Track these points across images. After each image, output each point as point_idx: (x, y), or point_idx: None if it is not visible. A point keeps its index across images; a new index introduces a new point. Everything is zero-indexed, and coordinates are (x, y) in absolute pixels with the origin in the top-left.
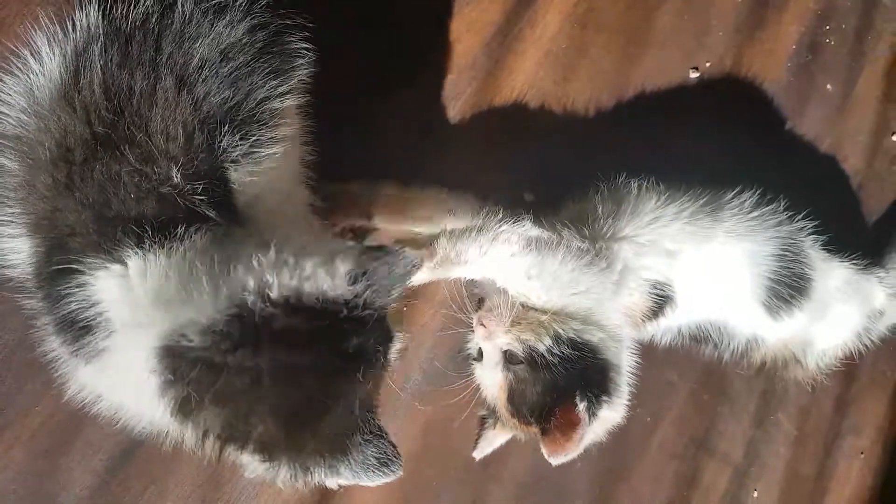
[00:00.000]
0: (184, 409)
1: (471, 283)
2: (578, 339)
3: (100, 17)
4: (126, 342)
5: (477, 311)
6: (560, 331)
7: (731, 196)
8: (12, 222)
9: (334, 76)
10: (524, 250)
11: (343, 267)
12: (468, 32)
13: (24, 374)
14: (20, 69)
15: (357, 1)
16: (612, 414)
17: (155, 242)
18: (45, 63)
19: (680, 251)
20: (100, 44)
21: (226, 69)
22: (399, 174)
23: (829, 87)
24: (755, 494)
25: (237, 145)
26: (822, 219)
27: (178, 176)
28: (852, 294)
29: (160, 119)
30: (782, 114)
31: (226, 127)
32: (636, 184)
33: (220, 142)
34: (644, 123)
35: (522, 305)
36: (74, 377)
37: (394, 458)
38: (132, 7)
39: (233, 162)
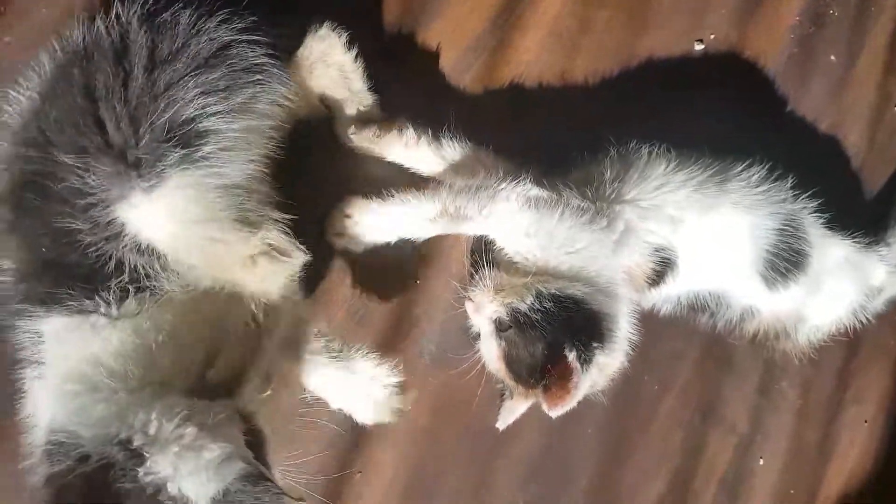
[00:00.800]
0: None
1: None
2: (561, 295)
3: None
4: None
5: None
6: (542, 289)
7: (739, 169)
8: None
9: None
10: (523, 208)
11: (211, 485)
12: (472, 13)
13: None
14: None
15: None
16: (608, 360)
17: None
18: None
19: (684, 218)
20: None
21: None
22: None
23: (832, 58)
24: (761, 462)
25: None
26: (824, 194)
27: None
28: (850, 271)
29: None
30: (785, 85)
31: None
32: (647, 149)
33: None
34: (649, 97)
35: (507, 271)
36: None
37: None
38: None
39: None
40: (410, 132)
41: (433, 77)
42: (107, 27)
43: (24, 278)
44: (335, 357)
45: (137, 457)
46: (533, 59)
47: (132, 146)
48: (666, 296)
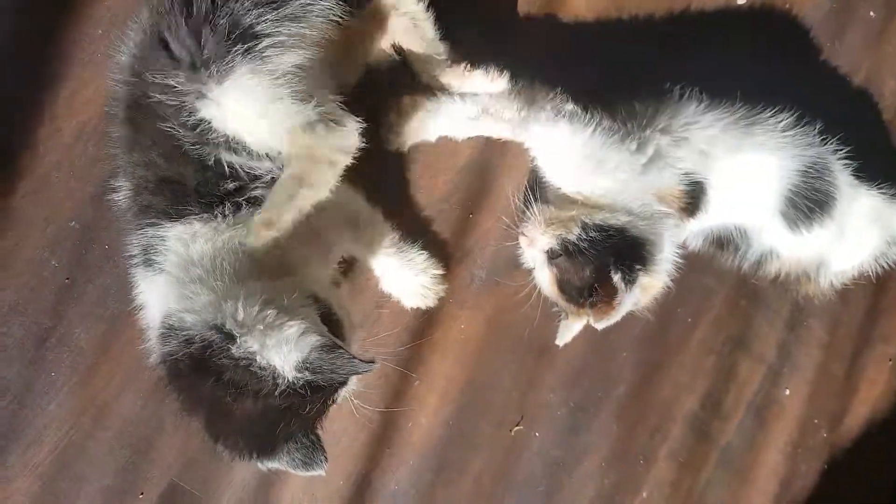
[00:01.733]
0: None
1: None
2: (604, 224)
3: None
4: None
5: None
6: (586, 220)
7: (768, 114)
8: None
9: None
10: (557, 118)
11: (294, 356)
12: None
13: None
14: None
15: None
16: (651, 280)
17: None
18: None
19: (712, 154)
20: None
21: None
22: None
23: (871, 13)
24: (787, 392)
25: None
26: (856, 144)
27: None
28: (875, 220)
29: None
30: (822, 39)
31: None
32: (678, 90)
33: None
34: (689, 42)
35: (556, 206)
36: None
37: (317, 462)
38: None
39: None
40: (493, 70)
41: (491, 16)
42: None
43: (148, 193)
44: (396, 248)
45: (230, 337)
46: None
47: (197, 52)
48: (697, 230)
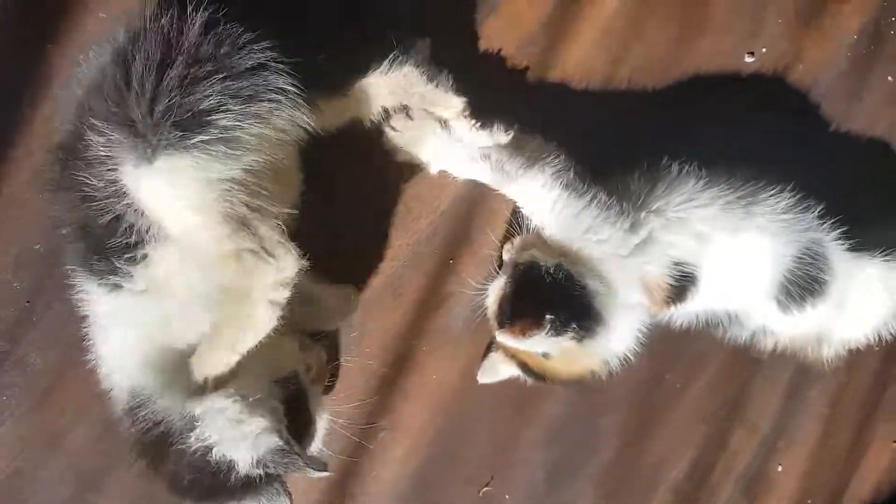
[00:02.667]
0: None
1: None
2: (577, 277)
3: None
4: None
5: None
6: (565, 264)
7: (768, 193)
8: None
9: None
10: (555, 184)
11: (250, 453)
12: (530, 8)
13: None
14: None
15: None
16: (576, 350)
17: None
18: None
19: (707, 235)
20: None
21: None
22: None
23: (889, 78)
24: (780, 468)
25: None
26: (866, 211)
27: None
28: (883, 287)
29: None
30: (837, 102)
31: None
32: (677, 166)
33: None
34: (696, 105)
35: (546, 242)
36: None
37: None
38: None
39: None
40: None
41: (484, 72)
42: (170, 17)
43: (73, 239)
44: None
45: (191, 425)
46: (582, 59)
47: (145, 120)
48: (682, 312)
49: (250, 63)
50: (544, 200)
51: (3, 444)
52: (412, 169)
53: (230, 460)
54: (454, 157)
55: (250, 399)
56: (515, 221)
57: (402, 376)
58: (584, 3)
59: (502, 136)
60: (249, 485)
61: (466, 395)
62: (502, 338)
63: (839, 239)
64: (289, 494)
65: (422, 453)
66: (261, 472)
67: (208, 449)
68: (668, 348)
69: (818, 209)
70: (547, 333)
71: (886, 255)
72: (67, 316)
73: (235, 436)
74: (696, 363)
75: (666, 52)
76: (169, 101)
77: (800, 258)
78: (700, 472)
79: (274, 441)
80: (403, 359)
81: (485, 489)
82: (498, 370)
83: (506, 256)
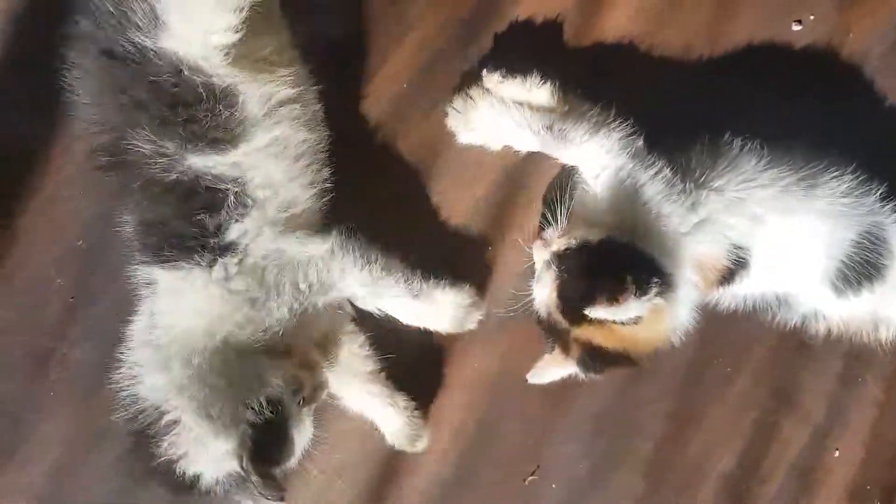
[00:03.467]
0: None
1: None
2: (632, 244)
3: None
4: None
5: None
6: (615, 235)
7: (829, 175)
8: None
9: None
10: (621, 151)
11: (214, 474)
12: None
13: None
14: None
15: None
16: (664, 306)
17: None
18: None
19: (765, 217)
20: None
21: None
22: None
23: None
24: (836, 454)
25: None
26: None
27: None
28: None
29: None
30: (890, 72)
31: None
32: (739, 142)
33: None
34: (739, 77)
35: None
36: None
37: None
38: None
39: None
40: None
41: (518, 51)
42: None
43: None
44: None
45: (166, 431)
46: (619, 34)
47: None
48: (732, 293)
49: None
50: (609, 167)
51: (49, 440)
52: (443, 163)
53: (195, 474)
54: (515, 130)
55: (218, 421)
56: (546, 215)
57: (443, 368)
58: None
59: (537, 91)
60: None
61: (507, 385)
62: (596, 313)
63: None
64: (283, 491)
65: (464, 445)
66: (223, 489)
67: (174, 460)
68: (715, 335)
69: (880, 190)
70: (635, 293)
71: None
72: (111, 312)
73: (199, 454)
74: (744, 349)
75: (706, 25)
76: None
77: (859, 242)
78: (751, 460)
79: (233, 467)
80: (442, 351)
81: (530, 478)
82: (551, 372)
83: (536, 255)
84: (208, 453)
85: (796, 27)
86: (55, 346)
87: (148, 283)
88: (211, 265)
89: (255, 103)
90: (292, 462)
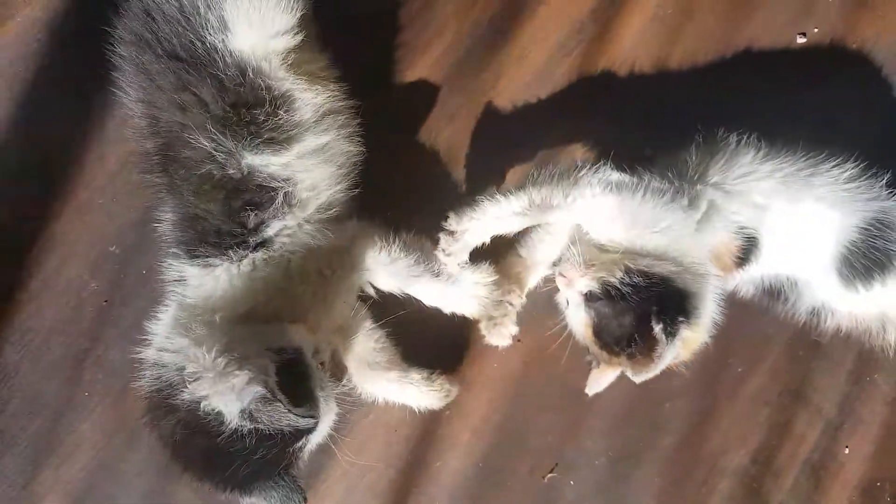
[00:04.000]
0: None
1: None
2: (649, 271)
3: None
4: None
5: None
6: (630, 264)
7: (830, 164)
8: None
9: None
10: (605, 192)
11: (237, 404)
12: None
13: None
14: None
15: None
16: (693, 335)
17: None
18: None
19: (768, 206)
20: None
21: None
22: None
23: None
24: (846, 450)
25: None
26: None
27: None
28: None
29: None
30: (892, 79)
31: None
32: (735, 137)
33: None
34: (748, 87)
35: (596, 248)
36: None
37: (296, 499)
38: None
39: None
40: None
41: (535, 62)
42: None
43: (178, 228)
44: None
45: (184, 380)
46: (633, 44)
47: None
48: (748, 278)
49: None
50: (602, 213)
51: (87, 439)
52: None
53: (219, 412)
54: (500, 222)
55: (242, 351)
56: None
57: (465, 366)
58: None
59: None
60: (243, 447)
61: (528, 384)
62: (637, 377)
63: None
64: (302, 491)
65: (486, 441)
66: (249, 425)
67: (198, 402)
68: (730, 334)
69: (886, 177)
70: (668, 342)
71: None
72: (144, 314)
73: (222, 388)
74: (758, 348)
75: (716, 35)
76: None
77: (865, 229)
78: (765, 457)
79: (258, 390)
80: (465, 349)
81: (549, 475)
82: (605, 378)
83: (561, 288)
84: (233, 387)
85: (800, 39)
86: (91, 347)
87: (178, 279)
88: (241, 259)
89: (308, 110)
90: (319, 433)
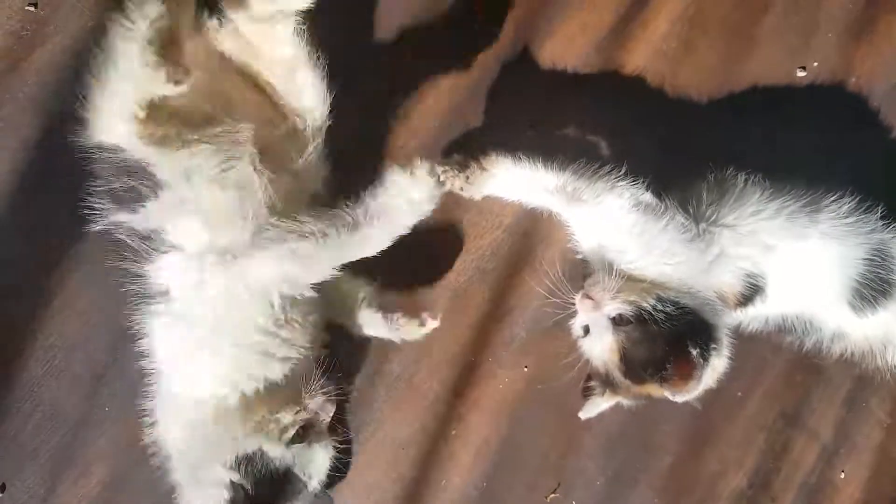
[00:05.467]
0: None
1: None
2: (680, 301)
3: None
4: None
5: (578, 291)
6: (661, 293)
7: (830, 199)
8: None
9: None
10: (633, 208)
11: None
12: (581, 33)
13: None
14: None
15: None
16: (720, 362)
17: None
18: None
19: (776, 246)
20: None
21: None
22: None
23: None
24: (842, 475)
25: None
26: None
27: None
28: None
29: None
30: (892, 113)
31: None
32: (743, 177)
33: None
34: (749, 120)
35: (622, 276)
36: None
37: None
38: None
39: None
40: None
41: (541, 92)
42: None
43: None
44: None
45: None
46: (635, 77)
47: None
48: (754, 315)
49: None
50: (622, 226)
51: (104, 452)
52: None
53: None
54: (528, 188)
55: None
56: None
57: (470, 386)
58: (636, 25)
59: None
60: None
61: (531, 404)
62: (679, 397)
63: None
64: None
65: (489, 460)
66: None
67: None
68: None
69: (880, 210)
70: (703, 367)
71: None
72: None
73: None
74: (755, 372)
75: (718, 71)
76: None
77: (870, 260)
78: (761, 480)
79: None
80: (470, 369)
81: (552, 495)
82: (601, 407)
83: (582, 310)
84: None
85: (801, 73)
86: (111, 362)
87: None
88: None
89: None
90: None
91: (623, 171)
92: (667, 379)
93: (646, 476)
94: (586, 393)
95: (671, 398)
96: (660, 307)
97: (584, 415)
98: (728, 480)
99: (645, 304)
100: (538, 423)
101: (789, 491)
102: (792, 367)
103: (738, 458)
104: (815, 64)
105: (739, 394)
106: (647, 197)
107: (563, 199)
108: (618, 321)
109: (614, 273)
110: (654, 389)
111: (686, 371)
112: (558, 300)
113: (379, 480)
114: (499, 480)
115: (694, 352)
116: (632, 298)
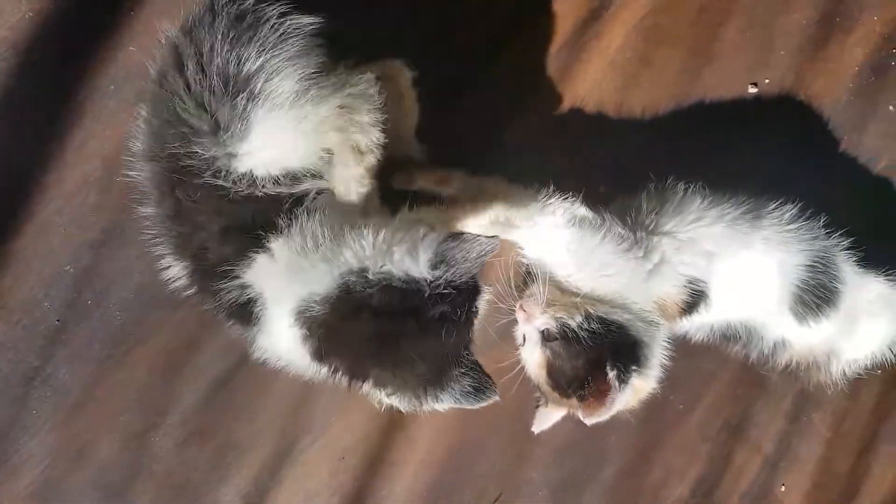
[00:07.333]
0: (317, 356)
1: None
2: (607, 318)
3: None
4: (275, 311)
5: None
6: (590, 310)
7: (772, 206)
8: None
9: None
10: (567, 224)
11: (424, 255)
12: (536, 43)
13: None
14: None
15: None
16: (643, 383)
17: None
18: None
19: (717, 253)
20: None
21: None
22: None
23: (891, 108)
24: (782, 489)
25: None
26: (869, 234)
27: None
28: (885, 308)
29: None
30: (840, 132)
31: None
32: (683, 185)
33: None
34: (700, 133)
35: (558, 288)
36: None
37: (487, 386)
38: None
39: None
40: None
41: (496, 103)
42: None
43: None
44: None
45: (362, 270)
46: (590, 89)
47: (209, 120)
48: (699, 324)
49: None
50: (558, 243)
51: (34, 455)
52: None
53: (413, 276)
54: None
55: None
56: (529, 269)
57: None
58: (590, 37)
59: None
60: (444, 311)
61: (477, 413)
62: (587, 419)
63: (847, 250)
64: (489, 377)
65: (433, 469)
66: (443, 272)
67: (388, 276)
68: (672, 370)
69: (824, 220)
70: (620, 388)
71: (889, 275)
72: (95, 334)
73: (404, 250)
74: (699, 385)
75: (673, 83)
76: (212, 93)
77: (812, 266)
78: (704, 490)
79: (436, 234)
80: None
81: None
82: (551, 417)
83: (520, 322)
84: (411, 243)
85: (752, 89)
86: (41, 366)
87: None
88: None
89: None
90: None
91: (552, 190)
92: (583, 398)
93: (591, 486)
94: (537, 403)
95: (581, 419)
96: (585, 325)
97: (536, 428)
98: (671, 489)
99: (570, 322)
100: (485, 432)
101: (731, 501)
102: (737, 379)
103: (682, 468)
104: (767, 81)
105: (682, 406)
106: (583, 211)
107: (500, 229)
108: (546, 336)
109: (545, 286)
110: (576, 407)
111: (602, 392)
112: (504, 307)
113: (319, 489)
114: (442, 489)
115: (611, 374)
116: (559, 315)
